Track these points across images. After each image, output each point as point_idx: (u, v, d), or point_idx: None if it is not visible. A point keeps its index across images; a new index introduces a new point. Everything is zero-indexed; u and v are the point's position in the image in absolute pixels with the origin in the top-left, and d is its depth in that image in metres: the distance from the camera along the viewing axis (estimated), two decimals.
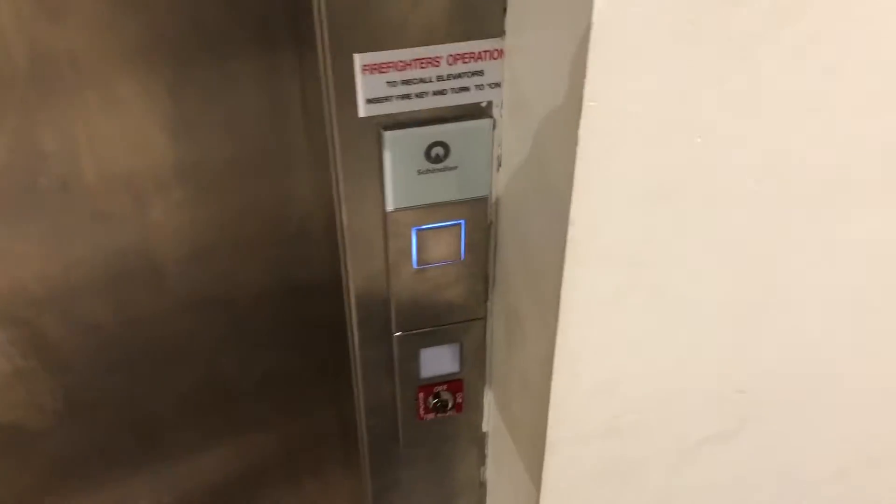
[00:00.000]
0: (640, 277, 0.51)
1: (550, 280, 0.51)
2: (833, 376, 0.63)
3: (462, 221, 0.61)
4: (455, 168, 0.58)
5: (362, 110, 0.54)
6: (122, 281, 0.63)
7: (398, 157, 0.56)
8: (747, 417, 0.63)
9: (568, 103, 0.44)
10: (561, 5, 0.43)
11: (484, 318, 0.68)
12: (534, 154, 0.52)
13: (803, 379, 0.63)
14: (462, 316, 0.67)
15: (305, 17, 0.52)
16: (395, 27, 0.52)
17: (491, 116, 0.57)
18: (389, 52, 0.52)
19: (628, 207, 0.48)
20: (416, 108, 0.55)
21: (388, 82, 0.54)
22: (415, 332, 0.66)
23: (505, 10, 0.52)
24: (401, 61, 0.53)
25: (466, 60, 0.54)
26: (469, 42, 0.53)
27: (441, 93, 0.55)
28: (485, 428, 0.76)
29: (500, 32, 0.53)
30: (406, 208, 0.59)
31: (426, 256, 0.62)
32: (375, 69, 0.53)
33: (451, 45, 0.53)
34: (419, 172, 0.58)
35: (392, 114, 0.55)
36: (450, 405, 0.71)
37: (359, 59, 0.52)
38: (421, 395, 0.70)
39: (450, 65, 0.54)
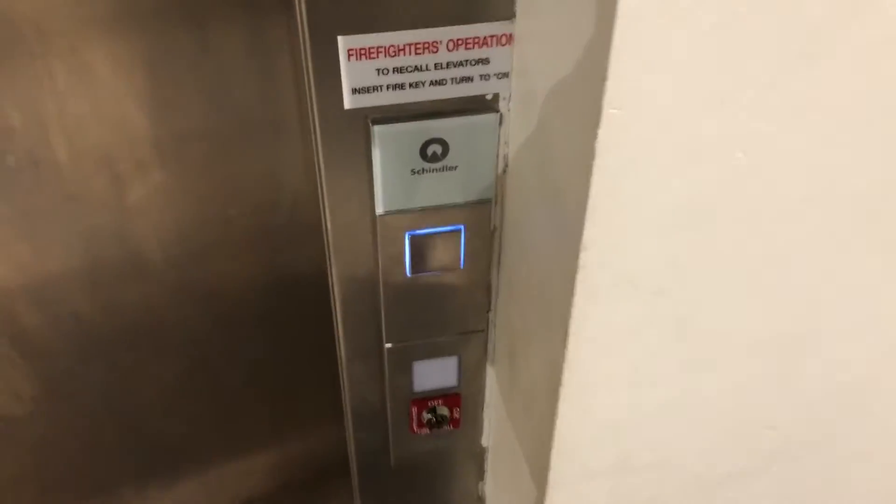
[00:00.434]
0: (664, 308, 0.44)
1: (558, 307, 0.44)
2: (870, 413, 0.56)
3: (461, 227, 0.54)
4: (455, 168, 0.51)
5: (348, 101, 0.47)
6: (100, 266, 0.59)
7: (389, 154, 0.49)
8: (777, 454, 0.56)
9: (585, 107, 0.37)
10: None
11: (485, 331, 0.61)
12: (544, 159, 0.45)
13: (839, 414, 0.56)
14: (460, 328, 0.60)
15: None
16: (386, 6, 0.44)
17: (497, 111, 0.50)
18: (379, 34, 0.45)
19: (653, 231, 0.41)
20: (411, 100, 0.48)
21: (377, 70, 0.46)
22: (408, 343, 0.60)
23: None
24: (392, 46, 0.45)
25: (470, 46, 0.46)
26: (473, 25, 0.46)
27: (439, 83, 0.48)
28: (484, 443, 0.70)
29: (510, 15, 0.46)
30: (398, 211, 0.52)
31: (421, 264, 0.55)
32: (363, 54, 0.45)
33: (453, 28, 0.46)
34: (413, 172, 0.50)
35: (382, 106, 0.48)
36: (446, 420, 0.65)
37: (343, 43, 0.45)
38: (414, 409, 0.64)
39: (450, 51, 0.46)
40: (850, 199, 0.43)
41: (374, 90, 0.47)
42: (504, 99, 0.49)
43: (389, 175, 0.50)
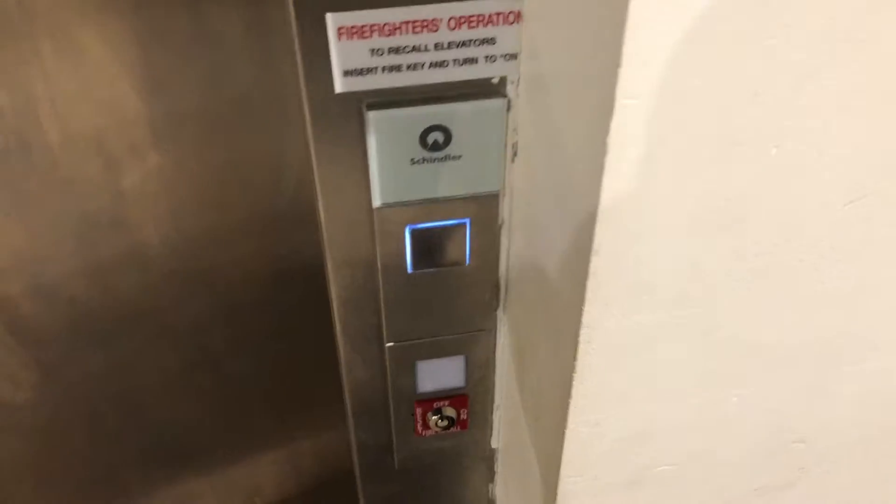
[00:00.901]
0: (685, 318, 0.40)
1: (567, 314, 0.40)
2: None
3: (467, 220, 0.50)
4: (459, 157, 0.47)
5: (339, 84, 0.43)
6: (96, 252, 0.57)
7: (386, 142, 0.45)
8: (806, 468, 0.52)
9: (596, 96, 0.32)
10: None
11: (493, 330, 0.57)
12: (555, 150, 0.41)
13: (871, 428, 0.51)
14: (466, 326, 0.56)
15: None
16: None
17: (504, 95, 0.45)
18: (373, 11, 0.41)
19: (673, 234, 0.36)
20: (409, 84, 0.44)
21: (371, 50, 0.42)
22: (410, 342, 0.56)
23: None
24: (388, 24, 0.41)
25: (474, 25, 0.42)
26: (478, 1, 0.41)
27: (440, 64, 0.43)
28: (494, 444, 0.66)
29: None
30: (397, 204, 0.48)
31: (423, 259, 0.51)
32: (355, 33, 0.41)
33: (454, 3, 0.41)
34: (413, 162, 0.46)
35: (377, 90, 0.44)
36: (453, 422, 0.61)
37: (333, 20, 0.41)
38: (418, 410, 0.60)
39: (452, 29, 0.42)
40: (891, 200, 0.38)
41: (367, 72, 0.43)
42: (512, 83, 0.45)
43: (387, 165, 0.46)
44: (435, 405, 0.61)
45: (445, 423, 0.61)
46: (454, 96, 0.45)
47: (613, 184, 0.33)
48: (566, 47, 0.36)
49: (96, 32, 0.47)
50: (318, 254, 0.56)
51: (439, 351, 0.57)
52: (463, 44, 0.43)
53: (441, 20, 0.42)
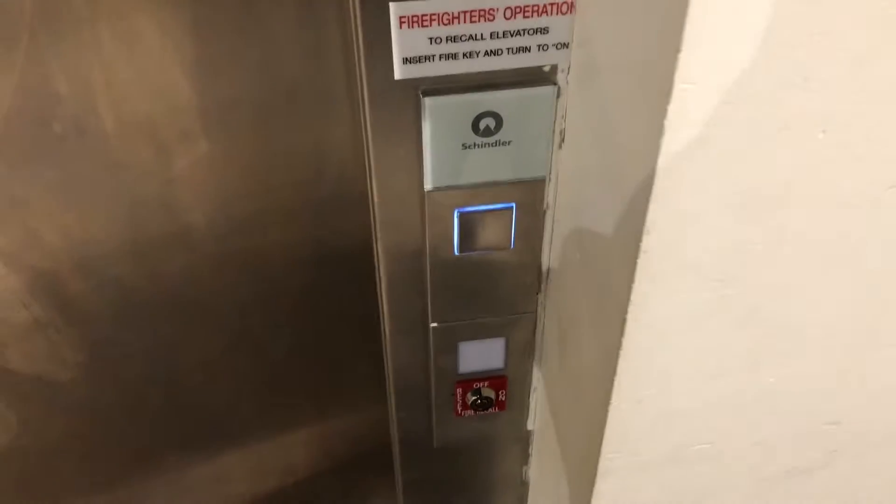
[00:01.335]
0: (730, 296, 0.41)
1: (616, 292, 0.42)
2: None
3: (513, 205, 0.52)
4: (508, 143, 0.48)
5: (398, 72, 0.45)
6: (144, 235, 0.59)
7: (440, 128, 0.47)
8: (839, 450, 0.54)
9: (655, 81, 0.34)
10: None
11: (534, 312, 0.59)
12: (605, 134, 0.42)
13: None
14: (509, 309, 0.58)
15: None
16: None
17: (555, 83, 0.47)
18: (433, 1, 0.43)
19: (722, 214, 0.38)
20: (464, 71, 0.46)
21: (430, 38, 0.44)
22: (454, 323, 0.58)
23: None
24: (447, 13, 0.43)
25: (528, 15, 0.44)
26: None
27: (495, 53, 0.45)
28: (530, 426, 0.68)
29: None
30: (448, 187, 0.50)
31: (470, 242, 0.53)
32: (415, 22, 0.43)
33: None
34: (464, 147, 0.48)
35: (434, 76, 0.46)
36: (491, 403, 0.63)
37: (395, 9, 0.43)
38: (459, 390, 0.62)
39: (507, 19, 0.44)
40: None
41: (425, 60, 0.45)
42: (562, 71, 0.47)
43: (439, 149, 0.48)
44: (475, 385, 0.62)
45: (484, 403, 0.63)
46: (506, 83, 0.46)
47: (668, 165, 0.35)
48: (622, 35, 0.38)
49: (153, 20, 0.48)
50: (363, 237, 0.57)
51: (481, 333, 0.59)
52: (517, 33, 0.45)
53: (497, 10, 0.43)
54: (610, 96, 0.40)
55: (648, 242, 0.38)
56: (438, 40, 0.44)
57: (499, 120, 0.47)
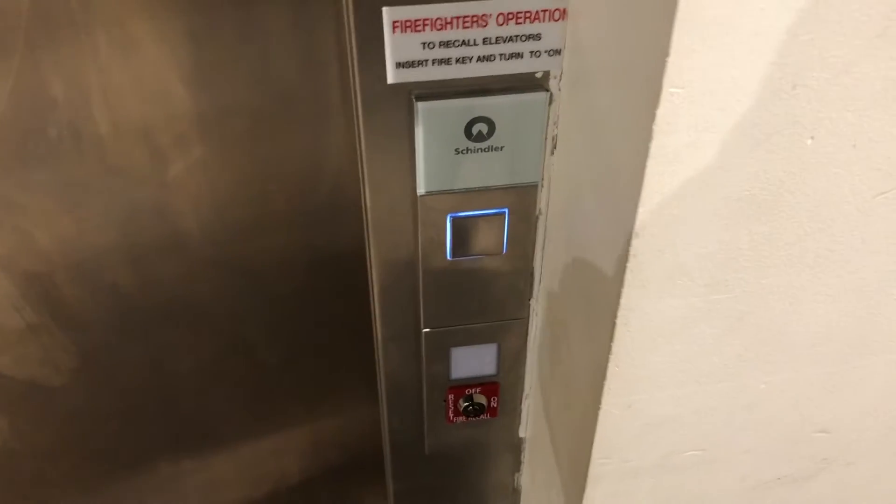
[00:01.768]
0: (720, 303, 0.42)
1: (605, 297, 0.42)
2: None
3: (505, 210, 0.52)
4: (501, 148, 0.49)
5: (391, 76, 0.45)
6: (139, 239, 0.58)
7: (433, 132, 0.47)
8: (830, 459, 0.54)
9: (644, 85, 0.34)
10: None
11: (526, 318, 0.59)
12: (596, 140, 0.43)
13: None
14: (501, 315, 0.58)
15: None
16: None
17: (547, 89, 0.47)
18: (426, 6, 0.43)
19: (710, 219, 0.38)
20: (457, 76, 0.46)
21: (423, 43, 0.44)
22: (446, 328, 0.58)
23: None
24: (440, 18, 0.43)
25: (521, 21, 0.44)
26: None
27: (488, 58, 0.45)
28: (522, 433, 0.68)
29: None
30: (440, 192, 0.50)
31: (462, 247, 0.53)
32: (409, 27, 0.43)
33: (504, 0, 0.43)
34: (457, 152, 0.48)
35: (427, 81, 0.46)
36: (483, 409, 0.63)
37: (388, 14, 0.43)
38: (451, 396, 0.62)
39: (500, 25, 0.44)
40: None
41: (418, 64, 0.45)
42: (554, 77, 0.47)
43: (432, 154, 0.48)
44: (467, 392, 0.62)
45: (476, 409, 0.63)
46: (499, 89, 0.47)
47: (656, 169, 0.35)
48: (612, 41, 0.38)
49: (150, 26, 0.48)
50: (355, 243, 0.57)
51: (473, 338, 0.59)
52: (510, 39, 0.45)
53: (490, 16, 0.44)
54: (601, 102, 0.41)
55: (637, 246, 0.38)
56: (431, 45, 0.44)
57: (491, 125, 0.48)
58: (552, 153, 0.50)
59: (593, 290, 0.45)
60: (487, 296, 0.57)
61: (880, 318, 0.45)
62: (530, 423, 0.66)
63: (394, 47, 0.44)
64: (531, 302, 0.58)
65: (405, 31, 0.43)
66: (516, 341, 0.60)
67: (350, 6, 0.43)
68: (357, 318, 0.64)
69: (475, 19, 0.44)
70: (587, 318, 0.47)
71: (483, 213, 0.52)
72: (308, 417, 0.75)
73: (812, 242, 0.40)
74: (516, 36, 0.45)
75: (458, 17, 0.43)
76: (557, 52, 0.46)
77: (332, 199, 0.58)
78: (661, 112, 0.33)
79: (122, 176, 0.54)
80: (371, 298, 0.58)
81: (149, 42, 0.49)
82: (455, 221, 0.52)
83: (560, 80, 0.47)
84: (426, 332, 0.58)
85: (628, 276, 0.39)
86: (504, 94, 0.47)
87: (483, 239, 0.53)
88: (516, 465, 0.71)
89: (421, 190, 0.50)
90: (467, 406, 0.63)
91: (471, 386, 0.62)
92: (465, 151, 0.49)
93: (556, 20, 0.44)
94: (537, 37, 0.45)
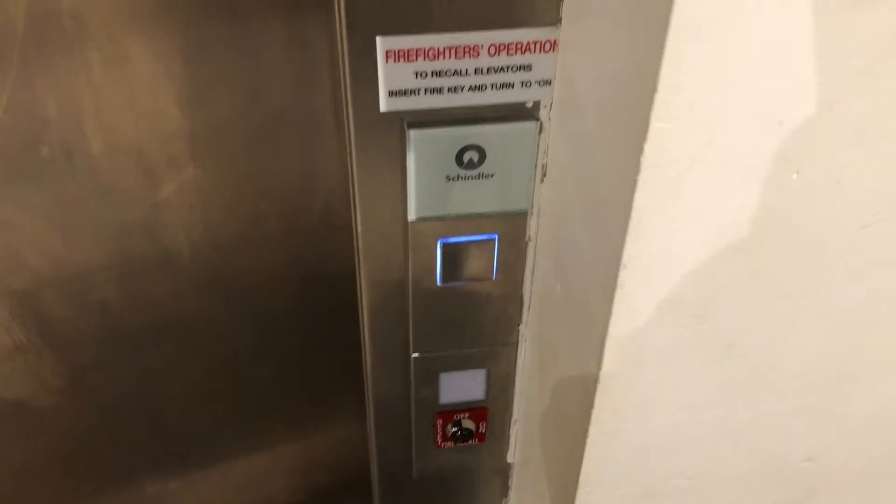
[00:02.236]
0: (707, 333, 0.42)
1: (594, 325, 0.43)
2: None
3: (495, 236, 0.52)
4: (491, 176, 0.49)
5: (384, 104, 0.46)
6: (130, 259, 0.58)
7: (424, 159, 0.48)
8: (815, 488, 0.54)
9: (632, 119, 0.35)
10: None
11: (515, 344, 0.59)
12: (585, 170, 0.43)
13: (882, 448, 0.53)
14: (490, 340, 0.58)
15: None
16: (426, 7, 0.43)
17: (537, 119, 0.48)
18: (419, 36, 0.44)
19: (698, 251, 0.38)
20: (449, 105, 0.47)
21: (416, 72, 0.45)
22: (435, 354, 0.58)
23: None
24: (432, 48, 0.44)
25: (512, 52, 0.45)
26: (516, 30, 0.44)
27: (479, 88, 0.46)
28: (510, 459, 0.68)
29: (555, 21, 0.44)
30: (431, 218, 0.51)
31: (452, 273, 0.54)
32: (402, 56, 0.44)
33: (495, 32, 0.44)
34: (448, 179, 0.49)
35: (419, 109, 0.46)
36: (472, 435, 0.63)
37: (382, 44, 0.43)
38: (439, 421, 0.62)
39: (491, 56, 0.45)
40: None
41: (411, 93, 0.45)
42: (545, 107, 0.47)
43: (423, 181, 0.49)
44: (455, 417, 0.62)
45: (464, 435, 0.63)
46: (490, 118, 0.47)
47: (644, 201, 0.36)
48: (602, 74, 0.39)
49: (143, 46, 0.49)
50: (346, 265, 0.58)
51: (462, 363, 0.59)
52: (501, 69, 0.45)
53: (482, 46, 0.44)
54: (590, 133, 0.41)
55: (625, 277, 0.39)
56: (424, 74, 0.45)
57: (482, 153, 0.48)
58: (542, 181, 0.50)
59: (581, 317, 0.45)
60: (477, 321, 0.57)
61: (865, 347, 0.46)
62: (519, 448, 0.66)
63: (387, 76, 0.44)
64: (520, 327, 0.58)
65: (398, 61, 0.44)
66: (505, 367, 0.60)
67: (344, 35, 0.43)
68: (347, 341, 0.64)
69: (467, 50, 0.44)
70: (575, 345, 0.47)
71: (473, 239, 0.52)
72: (296, 438, 0.75)
73: (798, 274, 0.41)
74: (507, 66, 0.45)
75: (450, 48, 0.44)
76: (548, 82, 0.46)
77: (323, 222, 0.59)
78: (649, 146, 0.34)
79: (114, 195, 0.54)
80: (360, 322, 0.58)
81: (142, 63, 0.49)
82: (445, 247, 0.52)
83: (550, 109, 0.47)
84: (415, 357, 0.58)
85: (616, 306, 0.40)
86: (495, 122, 0.47)
87: (473, 265, 0.53)
88: (504, 491, 0.71)
89: (412, 215, 0.51)
90: (456, 431, 0.63)
91: (459, 411, 0.62)
92: (456, 178, 0.49)
93: (547, 51, 0.45)
94: (528, 67, 0.46)
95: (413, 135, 0.47)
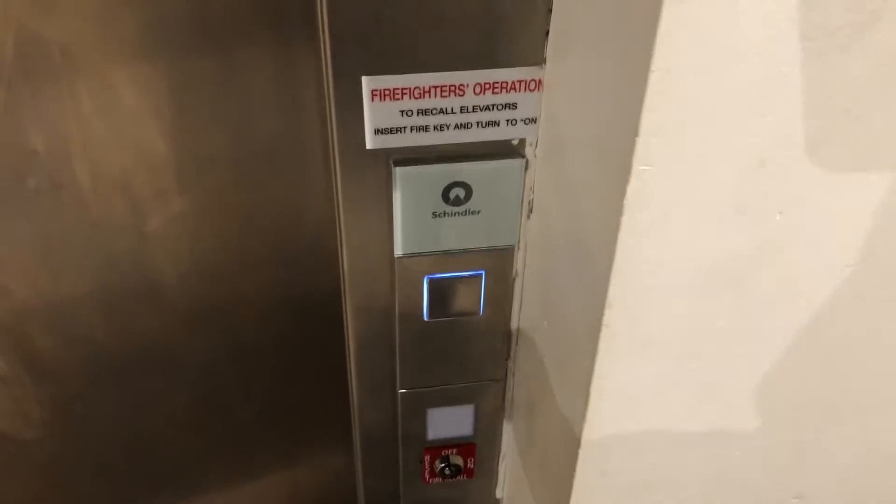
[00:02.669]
0: (692, 371, 0.42)
1: (580, 364, 0.42)
2: None
3: (482, 272, 0.52)
4: (477, 212, 0.49)
5: (370, 142, 0.46)
6: (115, 291, 0.58)
7: (411, 196, 0.48)
8: None
9: (615, 161, 0.35)
10: (613, 32, 0.34)
11: (503, 380, 0.59)
12: (570, 208, 0.43)
13: (869, 485, 0.53)
14: (478, 376, 0.58)
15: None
16: (412, 47, 0.43)
17: (523, 156, 0.48)
18: (404, 76, 0.44)
19: (682, 291, 0.38)
20: (435, 143, 0.47)
21: (401, 111, 0.45)
22: (422, 389, 0.58)
23: (547, 33, 0.43)
24: (418, 87, 0.44)
25: (497, 91, 0.45)
26: (502, 70, 0.44)
27: (465, 126, 0.46)
28: (499, 494, 0.67)
29: (540, 60, 0.44)
30: (417, 254, 0.51)
31: (439, 309, 0.53)
32: (387, 95, 0.44)
33: (480, 72, 0.44)
34: (435, 215, 0.49)
35: (405, 147, 0.46)
36: (460, 471, 0.63)
37: (367, 83, 0.44)
38: (427, 457, 0.62)
39: (477, 95, 0.45)
40: (890, 264, 0.40)
41: (397, 131, 0.46)
42: (531, 145, 0.48)
43: (410, 217, 0.49)
44: (443, 453, 0.62)
45: (452, 471, 0.62)
46: (476, 155, 0.47)
47: (628, 241, 0.36)
48: (586, 115, 0.39)
49: (131, 79, 0.49)
50: (333, 299, 0.57)
51: (450, 399, 0.59)
52: (486, 108, 0.46)
53: (467, 86, 0.45)
54: (574, 172, 0.41)
55: (610, 316, 0.39)
56: (410, 113, 0.45)
57: (468, 190, 0.48)
58: (529, 217, 0.50)
59: (567, 355, 0.45)
60: (464, 357, 0.57)
61: (851, 385, 0.45)
62: (507, 484, 0.66)
63: (372, 114, 0.45)
64: (508, 363, 0.58)
65: (384, 100, 0.44)
66: (493, 402, 0.60)
67: (330, 73, 0.43)
68: (334, 375, 0.63)
69: (452, 89, 0.45)
70: (562, 382, 0.47)
71: (460, 275, 0.52)
72: (283, 472, 0.74)
73: (783, 313, 0.41)
74: (493, 105, 0.46)
75: (435, 87, 0.44)
76: (533, 120, 0.47)
77: (311, 256, 0.58)
78: (631, 188, 0.34)
79: (100, 226, 0.54)
80: (347, 358, 0.58)
81: (131, 95, 0.49)
82: (432, 283, 0.52)
83: (536, 147, 0.48)
84: (402, 393, 0.58)
85: (602, 345, 0.40)
86: (481, 160, 0.48)
87: (460, 300, 0.53)
88: None
89: (398, 251, 0.50)
90: (443, 467, 0.62)
91: (447, 447, 0.62)
92: (442, 215, 0.49)
93: (532, 90, 0.45)
94: (513, 106, 0.46)
95: (399, 172, 0.47)
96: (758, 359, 0.43)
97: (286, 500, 0.75)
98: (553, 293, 0.47)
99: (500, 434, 0.62)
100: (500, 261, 0.52)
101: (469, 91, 0.45)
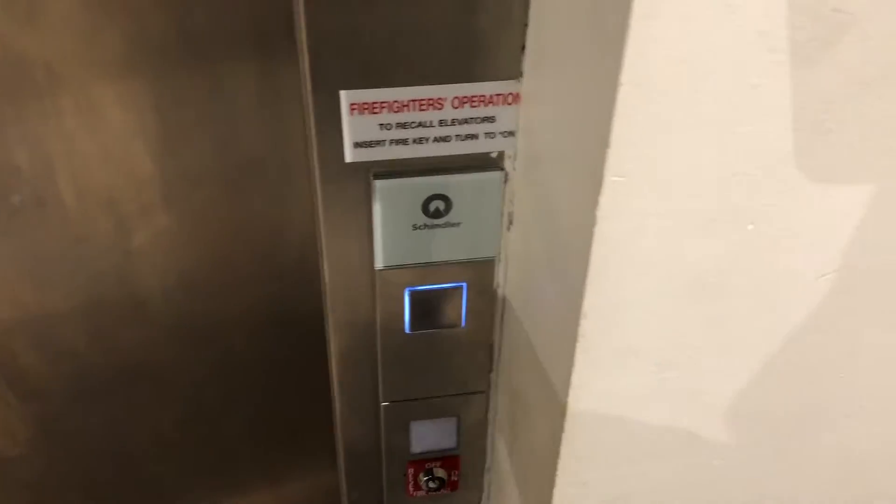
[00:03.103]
0: (669, 381, 0.42)
1: (558, 375, 0.43)
2: (885, 493, 0.53)
3: (463, 284, 0.52)
4: (458, 224, 0.50)
5: (349, 155, 0.46)
6: (101, 307, 0.58)
7: (390, 209, 0.48)
8: None
9: (587, 173, 0.35)
10: (585, 46, 0.34)
11: (486, 392, 0.59)
12: (547, 220, 0.43)
13: (851, 494, 0.53)
14: (461, 388, 0.58)
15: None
16: (390, 61, 0.43)
17: (502, 168, 0.48)
18: (383, 90, 0.44)
19: (657, 301, 0.39)
20: (414, 156, 0.47)
21: (380, 125, 0.45)
22: (405, 401, 0.58)
23: (523, 47, 0.43)
24: (396, 101, 0.45)
25: (476, 104, 0.45)
26: (480, 83, 0.45)
27: (444, 139, 0.47)
28: None
29: (517, 74, 0.45)
30: (398, 266, 0.51)
31: (421, 321, 0.54)
32: (366, 109, 0.45)
33: (458, 85, 0.45)
34: (415, 227, 0.49)
35: (384, 160, 0.47)
36: (444, 483, 0.63)
37: (346, 97, 0.44)
38: (411, 470, 0.62)
39: (455, 108, 0.45)
40: (865, 274, 0.41)
41: (376, 144, 0.46)
42: (509, 157, 0.48)
43: (390, 230, 0.49)
44: (427, 466, 0.62)
45: (437, 483, 0.62)
46: (456, 168, 0.48)
47: (602, 252, 0.36)
48: (560, 127, 0.40)
49: (116, 96, 0.49)
50: (317, 313, 0.58)
51: (433, 412, 0.59)
52: (465, 121, 0.46)
53: (445, 99, 0.45)
54: (551, 184, 0.42)
55: (586, 327, 0.39)
56: (389, 126, 0.45)
57: (448, 202, 0.49)
58: (508, 229, 0.51)
59: (547, 367, 0.45)
60: (447, 369, 0.57)
61: (830, 393, 0.46)
62: (493, 496, 0.66)
63: (351, 128, 0.45)
64: (491, 375, 0.58)
65: (362, 113, 0.45)
66: (477, 414, 0.60)
67: (308, 88, 0.44)
68: (317, 389, 0.63)
69: (431, 102, 0.45)
70: (541, 393, 0.47)
71: (441, 287, 0.53)
72: (269, 487, 0.74)
73: (758, 322, 0.41)
74: (471, 118, 0.46)
75: (414, 101, 0.45)
76: (512, 133, 0.47)
77: (295, 270, 0.58)
78: (604, 199, 0.34)
79: (85, 243, 0.54)
80: (330, 372, 0.58)
81: (115, 111, 0.49)
82: (413, 295, 0.52)
83: (515, 159, 0.48)
84: (385, 406, 0.58)
85: (579, 356, 0.40)
86: (461, 172, 0.48)
87: (442, 312, 0.54)
88: None
89: (379, 264, 0.51)
90: (427, 480, 0.62)
91: (431, 460, 0.62)
92: (422, 227, 0.49)
93: (510, 104, 0.46)
94: (492, 119, 0.46)
95: (379, 185, 0.47)
96: (736, 367, 0.43)
97: None
98: (533, 304, 0.48)
99: (485, 446, 0.62)
100: (481, 273, 0.52)
101: (448, 104, 0.45)
